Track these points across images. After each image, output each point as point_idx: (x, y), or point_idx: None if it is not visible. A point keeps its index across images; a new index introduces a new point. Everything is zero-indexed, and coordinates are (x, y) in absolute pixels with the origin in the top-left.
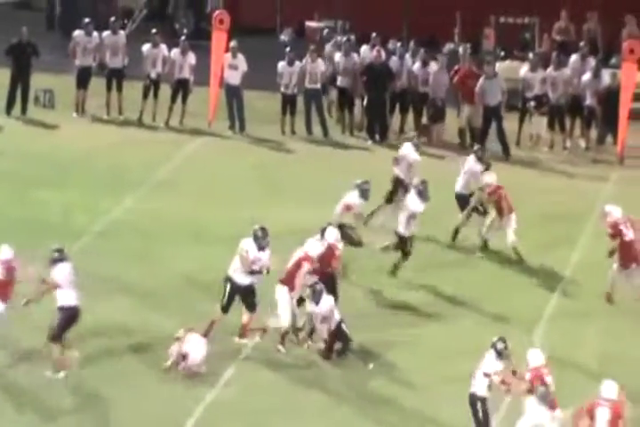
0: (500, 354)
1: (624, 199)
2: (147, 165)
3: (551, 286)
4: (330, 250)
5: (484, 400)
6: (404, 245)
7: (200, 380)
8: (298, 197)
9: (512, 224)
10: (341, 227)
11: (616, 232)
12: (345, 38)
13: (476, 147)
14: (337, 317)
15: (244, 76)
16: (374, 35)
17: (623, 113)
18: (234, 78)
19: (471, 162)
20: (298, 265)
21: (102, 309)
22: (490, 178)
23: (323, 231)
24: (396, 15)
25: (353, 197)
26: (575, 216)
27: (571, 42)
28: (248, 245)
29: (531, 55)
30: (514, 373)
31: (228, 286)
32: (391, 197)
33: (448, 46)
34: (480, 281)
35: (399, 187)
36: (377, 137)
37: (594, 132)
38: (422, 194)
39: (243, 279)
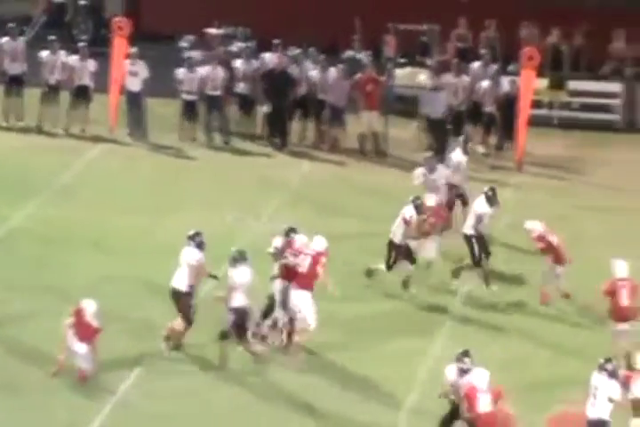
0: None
1: (522, 205)
2: (47, 171)
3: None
4: (316, 259)
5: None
6: (471, 245)
7: (101, 386)
8: (198, 205)
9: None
10: (400, 247)
11: (546, 243)
12: (245, 45)
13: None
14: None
15: (145, 82)
16: (276, 41)
17: (522, 120)
18: (134, 85)
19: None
20: (315, 264)
21: None
22: (431, 201)
23: (287, 233)
24: (297, 22)
25: (409, 211)
26: None
27: (470, 49)
28: (194, 254)
29: (430, 62)
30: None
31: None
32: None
33: (348, 53)
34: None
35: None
36: (277, 143)
37: (493, 139)
38: (490, 199)
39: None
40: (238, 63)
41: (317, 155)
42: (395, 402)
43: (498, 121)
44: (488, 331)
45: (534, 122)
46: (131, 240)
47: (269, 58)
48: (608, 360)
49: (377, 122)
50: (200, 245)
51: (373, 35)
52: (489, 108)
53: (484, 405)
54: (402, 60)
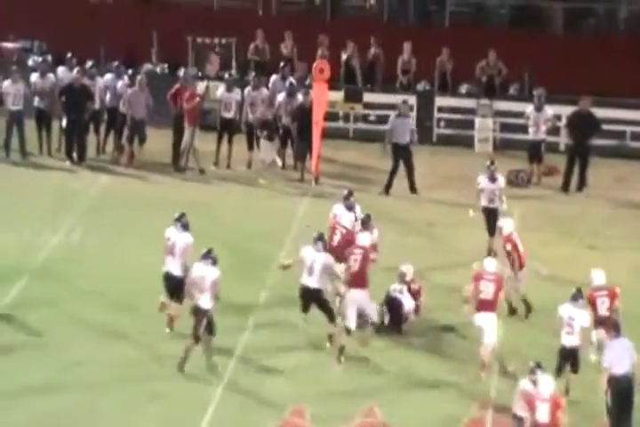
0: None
1: (318, 215)
2: None
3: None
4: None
5: None
6: None
7: None
8: None
9: None
10: None
11: (512, 244)
12: (41, 59)
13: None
14: None
15: None
16: (69, 55)
17: (316, 132)
18: None
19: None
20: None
21: None
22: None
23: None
24: (94, 36)
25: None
26: (273, 235)
27: (267, 62)
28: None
29: (227, 75)
30: None
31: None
32: None
33: (146, 66)
34: None
35: None
36: (75, 158)
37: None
38: None
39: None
40: (34, 77)
41: (116, 169)
42: None
43: (293, 133)
44: None
45: (331, 134)
46: None
47: (62, 72)
48: (579, 290)
49: (191, 136)
50: (185, 226)
51: (171, 48)
52: (285, 120)
53: (541, 414)
54: (199, 73)
